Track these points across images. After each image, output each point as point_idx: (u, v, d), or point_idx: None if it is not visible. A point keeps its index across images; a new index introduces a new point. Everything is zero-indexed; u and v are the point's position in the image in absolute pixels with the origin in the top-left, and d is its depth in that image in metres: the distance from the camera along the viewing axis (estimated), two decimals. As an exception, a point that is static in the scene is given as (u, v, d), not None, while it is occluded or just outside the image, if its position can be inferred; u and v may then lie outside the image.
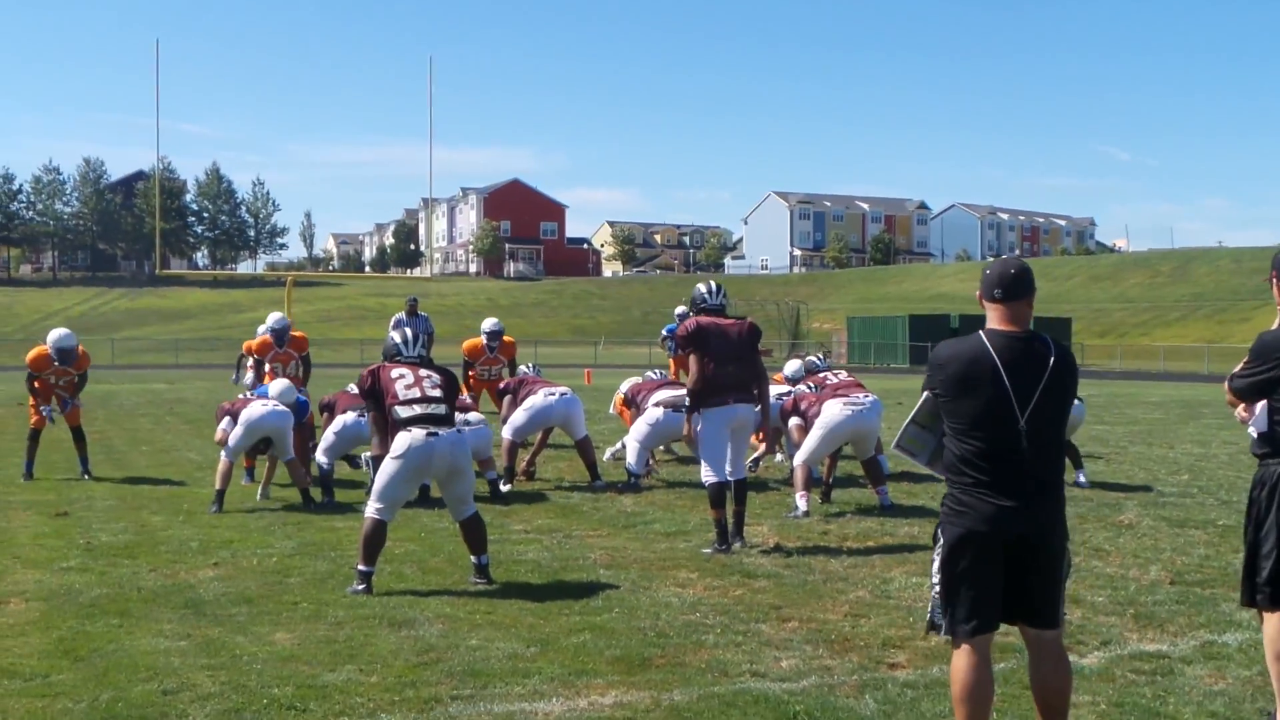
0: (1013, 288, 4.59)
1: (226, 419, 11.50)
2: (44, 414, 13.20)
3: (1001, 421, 4.47)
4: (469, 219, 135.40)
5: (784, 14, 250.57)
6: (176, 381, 37.57)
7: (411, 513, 10.81)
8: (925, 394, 4.65)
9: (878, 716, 5.33)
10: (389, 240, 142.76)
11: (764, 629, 6.82)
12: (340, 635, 6.63)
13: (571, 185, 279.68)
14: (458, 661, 6.11)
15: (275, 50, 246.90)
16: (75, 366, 13.37)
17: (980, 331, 4.60)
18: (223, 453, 11.30)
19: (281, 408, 11.46)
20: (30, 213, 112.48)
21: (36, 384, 13.32)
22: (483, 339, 15.64)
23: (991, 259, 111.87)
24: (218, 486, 11.05)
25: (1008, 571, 4.53)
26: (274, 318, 15.11)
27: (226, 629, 6.78)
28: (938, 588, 4.61)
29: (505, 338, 15.81)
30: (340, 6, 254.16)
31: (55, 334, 13.34)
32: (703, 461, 9.28)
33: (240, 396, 12.44)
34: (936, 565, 4.63)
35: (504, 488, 11.93)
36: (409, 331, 8.48)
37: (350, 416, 11.77)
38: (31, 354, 13.34)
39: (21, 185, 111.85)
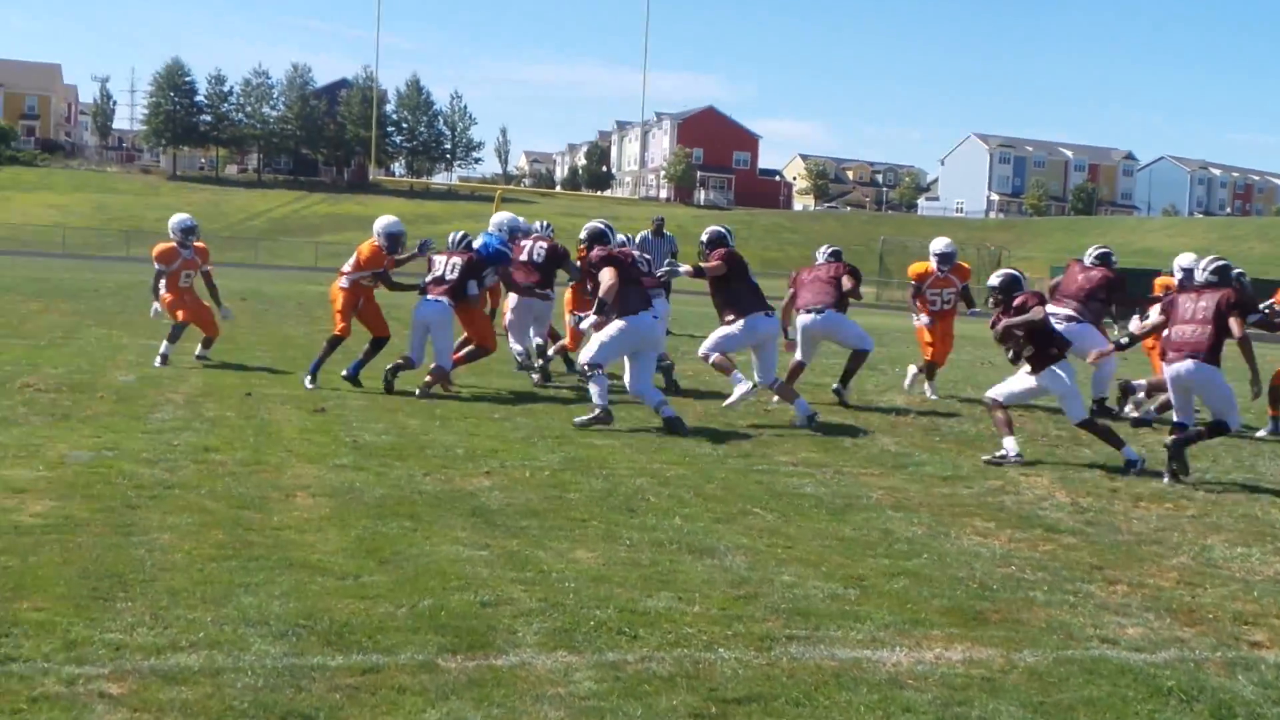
0: None
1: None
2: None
3: None
4: (661, 144, 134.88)
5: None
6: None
7: (669, 438, 10.51)
8: None
9: (1263, 702, 4.81)
10: (581, 161, 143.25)
11: (1093, 590, 6.30)
12: (644, 559, 6.33)
13: (759, 116, 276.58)
14: (777, 598, 5.75)
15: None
16: (201, 257, 13.77)
17: None
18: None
19: (440, 300, 12.10)
20: (240, 115, 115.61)
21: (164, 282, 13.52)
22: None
23: (1200, 215, 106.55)
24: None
25: None
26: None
27: (523, 542, 6.55)
28: None
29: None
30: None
31: (178, 216, 13.88)
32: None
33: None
34: None
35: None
36: None
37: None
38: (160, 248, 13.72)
39: (232, 88, 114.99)
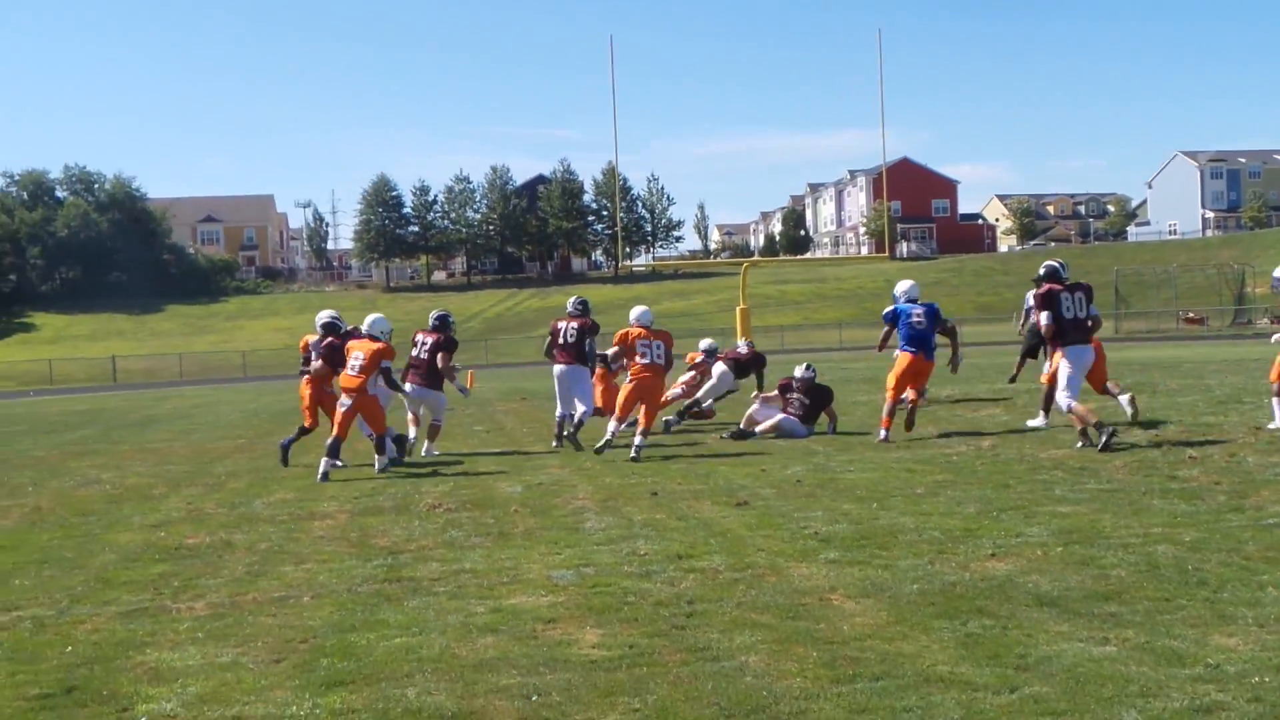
0: None
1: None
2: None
3: None
4: (858, 201, 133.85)
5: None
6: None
7: (1135, 500, 9.68)
8: None
9: None
10: (776, 227, 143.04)
11: None
12: (1295, 641, 5.54)
13: (941, 163, 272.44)
14: None
15: (649, 53, 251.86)
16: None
17: None
18: None
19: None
20: (444, 221, 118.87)
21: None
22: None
23: None
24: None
25: None
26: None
27: (1138, 631, 5.80)
28: None
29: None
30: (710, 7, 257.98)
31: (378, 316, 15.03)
32: None
33: None
34: None
35: None
36: None
37: None
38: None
39: (436, 196, 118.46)
